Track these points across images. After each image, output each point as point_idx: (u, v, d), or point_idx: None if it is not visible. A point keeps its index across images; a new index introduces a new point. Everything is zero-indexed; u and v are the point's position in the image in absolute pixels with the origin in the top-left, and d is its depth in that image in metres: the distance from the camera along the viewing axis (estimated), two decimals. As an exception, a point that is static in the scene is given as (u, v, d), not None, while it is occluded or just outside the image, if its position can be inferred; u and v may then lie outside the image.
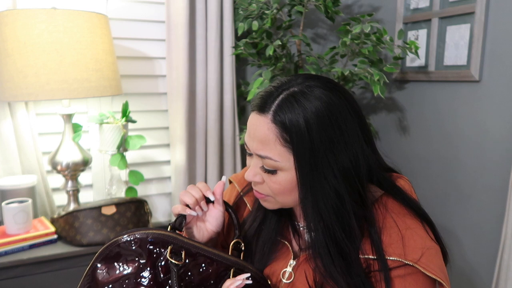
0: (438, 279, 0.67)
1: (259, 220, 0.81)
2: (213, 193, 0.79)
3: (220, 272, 0.74)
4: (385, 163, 0.79)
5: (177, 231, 0.75)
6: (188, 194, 0.77)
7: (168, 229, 0.74)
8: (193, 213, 0.76)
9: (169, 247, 0.70)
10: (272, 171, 0.69)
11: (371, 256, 0.70)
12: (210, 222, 0.80)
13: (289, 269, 0.77)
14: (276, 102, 0.67)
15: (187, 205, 0.77)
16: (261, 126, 0.67)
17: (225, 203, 0.81)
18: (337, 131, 0.66)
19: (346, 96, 0.70)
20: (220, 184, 0.79)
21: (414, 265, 0.67)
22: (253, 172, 0.72)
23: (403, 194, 0.75)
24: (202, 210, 0.78)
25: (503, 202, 1.41)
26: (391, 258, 0.69)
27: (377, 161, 0.75)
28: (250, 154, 0.73)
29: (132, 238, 0.69)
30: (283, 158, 0.67)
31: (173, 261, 0.69)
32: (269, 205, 0.76)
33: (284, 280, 0.77)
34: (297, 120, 0.65)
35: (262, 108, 0.68)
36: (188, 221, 0.79)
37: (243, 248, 0.80)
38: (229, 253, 0.78)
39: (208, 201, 0.79)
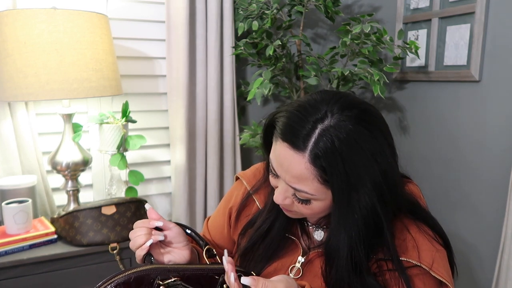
0: (445, 282, 0.70)
1: (270, 221, 0.81)
2: (154, 220, 0.76)
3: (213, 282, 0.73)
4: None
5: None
6: (136, 238, 0.74)
7: None
8: (149, 242, 0.73)
9: (157, 278, 0.68)
10: (305, 201, 0.68)
11: (382, 257, 0.72)
12: (177, 242, 0.77)
13: (297, 265, 0.79)
14: (313, 140, 0.63)
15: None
16: (296, 163, 0.64)
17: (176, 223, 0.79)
18: (375, 164, 0.65)
19: (380, 125, 0.68)
20: (150, 210, 0.77)
21: (429, 271, 0.70)
22: (283, 196, 0.70)
23: (414, 202, 0.77)
24: (160, 235, 0.75)
25: (503, 202, 1.41)
26: (405, 259, 0.71)
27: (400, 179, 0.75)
28: (276, 176, 0.71)
29: (114, 285, 0.66)
30: (320, 192, 0.66)
31: (170, 281, 0.68)
32: (295, 216, 0.76)
33: (292, 276, 0.78)
34: (336, 163, 0.62)
35: (295, 143, 0.64)
36: (159, 259, 0.77)
37: (215, 252, 0.80)
38: (208, 262, 0.78)
39: (157, 229, 0.77)
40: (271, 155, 0.70)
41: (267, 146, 0.77)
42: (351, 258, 0.69)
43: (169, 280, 0.69)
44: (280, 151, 0.66)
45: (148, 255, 0.74)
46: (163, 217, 0.79)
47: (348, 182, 0.64)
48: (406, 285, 0.70)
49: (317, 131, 0.63)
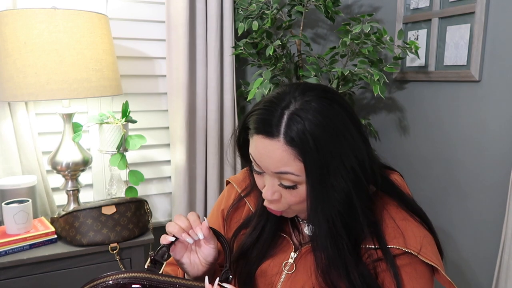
0: (436, 266, 0.71)
1: (261, 225, 0.82)
2: (200, 229, 0.73)
3: None
4: (379, 159, 0.81)
5: (158, 264, 0.71)
6: (172, 224, 0.74)
7: (148, 262, 0.70)
8: (172, 238, 0.72)
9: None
10: (292, 186, 0.70)
11: (371, 246, 0.73)
12: (204, 254, 0.76)
13: (290, 261, 0.80)
14: (283, 124, 0.66)
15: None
16: (274, 150, 0.67)
17: (217, 234, 0.76)
18: (342, 139, 0.67)
19: (341, 101, 0.70)
20: (204, 224, 0.74)
21: (418, 256, 0.71)
22: (271, 191, 0.72)
23: (396, 189, 0.79)
24: (193, 238, 0.73)
25: (503, 202, 1.41)
26: (393, 247, 0.72)
27: (374, 158, 0.76)
28: (260, 173, 0.73)
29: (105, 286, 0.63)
30: (303, 172, 0.67)
31: None
32: (287, 215, 0.77)
33: (285, 271, 0.79)
34: (307, 141, 0.65)
35: (269, 132, 0.67)
36: (179, 258, 0.76)
37: (230, 277, 0.75)
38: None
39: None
40: (250, 151, 0.72)
41: (243, 152, 0.78)
42: (335, 244, 0.70)
43: None
44: (257, 143, 0.69)
45: (166, 246, 0.72)
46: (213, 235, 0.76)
47: (319, 160, 0.66)
48: (394, 272, 0.70)
49: (285, 116, 0.66)
